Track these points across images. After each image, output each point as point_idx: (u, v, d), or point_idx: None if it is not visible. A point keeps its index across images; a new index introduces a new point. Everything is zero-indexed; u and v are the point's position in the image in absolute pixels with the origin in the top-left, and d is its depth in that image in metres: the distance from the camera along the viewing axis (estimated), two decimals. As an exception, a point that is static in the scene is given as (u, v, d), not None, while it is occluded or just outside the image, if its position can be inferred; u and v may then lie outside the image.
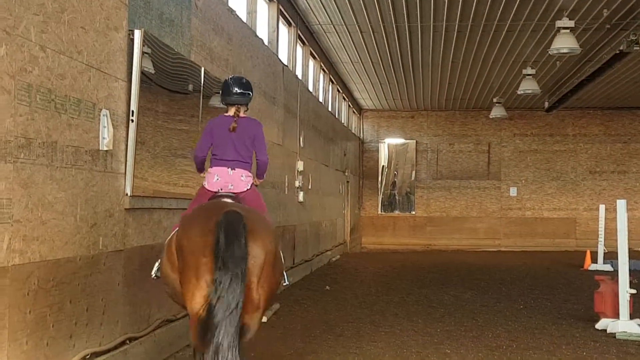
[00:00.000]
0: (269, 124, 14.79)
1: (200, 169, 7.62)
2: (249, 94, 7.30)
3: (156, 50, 8.40)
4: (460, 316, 12.96)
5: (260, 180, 7.64)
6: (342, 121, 29.07)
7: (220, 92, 7.34)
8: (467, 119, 34.08)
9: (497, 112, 29.27)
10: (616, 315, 11.49)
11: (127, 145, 7.80)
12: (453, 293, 16.23)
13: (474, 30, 18.85)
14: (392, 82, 27.00)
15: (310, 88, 21.50)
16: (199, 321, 5.59)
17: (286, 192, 16.82)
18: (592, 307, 12.25)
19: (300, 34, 19.31)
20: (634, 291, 11.48)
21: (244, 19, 13.52)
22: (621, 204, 11.91)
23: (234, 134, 7.01)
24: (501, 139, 34.03)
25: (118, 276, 7.69)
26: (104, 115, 7.22)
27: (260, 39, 14.55)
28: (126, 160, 7.79)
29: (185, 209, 9.64)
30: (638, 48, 18.38)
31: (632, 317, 11.42)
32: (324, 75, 24.23)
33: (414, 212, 34.30)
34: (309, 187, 19.75)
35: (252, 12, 14.52)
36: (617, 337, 11.05)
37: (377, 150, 34.79)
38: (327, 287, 16.88)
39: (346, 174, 29.08)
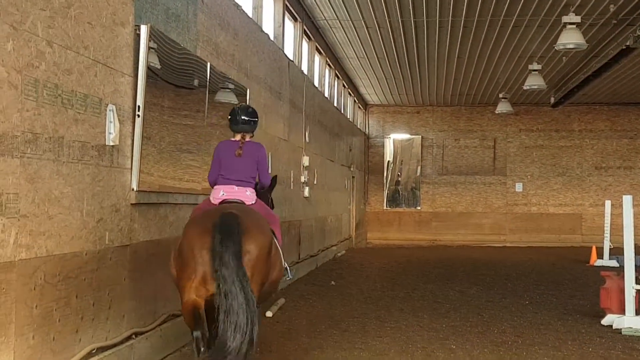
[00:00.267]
0: (274, 119, 14.81)
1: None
2: (254, 121, 7.78)
3: (162, 46, 8.40)
4: (465, 312, 12.96)
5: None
6: (348, 116, 29.05)
7: (229, 119, 7.76)
8: (473, 114, 34.04)
9: (503, 107, 29.21)
10: (622, 311, 11.48)
11: (133, 141, 7.81)
12: (458, 288, 16.24)
13: (480, 25, 18.82)
14: (398, 78, 26.98)
15: (316, 83, 21.49)
16: (193, 312, 6.30)
17: (292, 188, 16.82)
18: (598, 303, 12.24)
19: (306, 29, 19.29)
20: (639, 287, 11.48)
21: (250, 14, 13.51)
22: (627, 200, 11.90)
23: (240, 158, 7.49)
24: (507, 134, 33.99)
25: (124, 271, 7.71)
26: (110, 110, 7.23)
27: (266, 34, 14.55)
28: (132, 156, 7.80)
29: (191, 204, 9.71)
30: (644, 43, 18.35)
31: (637, 312, 11.41)
32: (329, 71, 24.22)
33: (419, 208, 34.28)
34: (315, 182, 19.75)
35: (258, 7, 14.51)
36: (622, 333, 11.05)
37: (383, 146, 34.77)
38: (333, 283, 16.89)
39: (352, 169, 29.08)
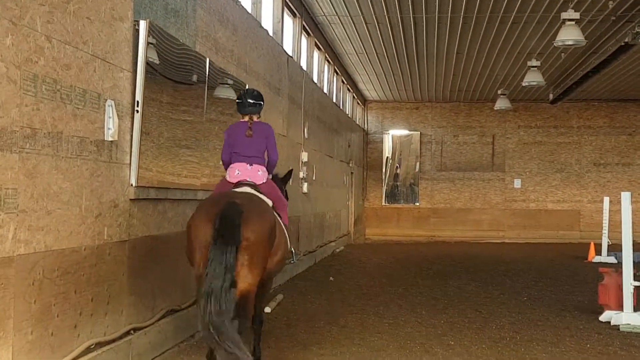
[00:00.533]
0: (273, 115, 14.79)
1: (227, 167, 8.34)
2: (260, 104, 8.34)
3: (161, 41, 8.40)
4: (464, 308, 12.98)
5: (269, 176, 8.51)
6: (347, 112, 29.05)
7: (236, 102, 8.38)
8: (472, 110, 34.05)
9: (501, 103, 29.19)
10: (620, 307, 11.49)
11: (132, 136, 7.81)
12: (457, 285, 16.25)
13: (479, 21, 18.82)
14: (397, 74, 26.97)
15: (315, 79, 21.48)
16: (198, 281, 6.86)
17: (290, 183, 16.77)
18: (596, 299, 12.26)
19: (305, 25, 19.28)
20: (638, 283, 11.48)
21: (249, 10, 13.50)
22: (625, 196, 11.91)
23: (249, 138, 8.10)
24: (505, 130, 34.00)
25: (123, 266, 7.71)
26: (109, 105, 7.23)
27: (265, 29, 14.54)
28: (131, 151, 7.80)
29: (189, 199, 9.73)
30: (643, 40, 18.35)
31: (635, 309, 11.43)
32: (328, 66, 24.21)
33: (417, 204, 34.29)
34: (313, 178, 19.75)
35: (257, 2, 14.50)
36: (620, 329, 11.06)
37: (382, 142, 34.77)
38: (331, 278, 16.90)
39: (350, 165, 29.08)
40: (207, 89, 10.12)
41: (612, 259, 21.56)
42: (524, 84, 23.30)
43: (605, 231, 22.76)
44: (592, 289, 14.05)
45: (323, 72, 23.20)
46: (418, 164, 34.36)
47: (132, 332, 7.93)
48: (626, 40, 18.82)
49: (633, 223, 11.91)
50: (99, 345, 7.13)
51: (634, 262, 11.69)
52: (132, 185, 7.83)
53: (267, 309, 12.13)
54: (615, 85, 28.70)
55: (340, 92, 27.23)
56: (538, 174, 33.80)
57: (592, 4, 17.11)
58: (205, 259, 6.72)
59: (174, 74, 9.00)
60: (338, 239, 25.96)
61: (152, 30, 8.03)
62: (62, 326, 6.47)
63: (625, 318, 11.26)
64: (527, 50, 22.04)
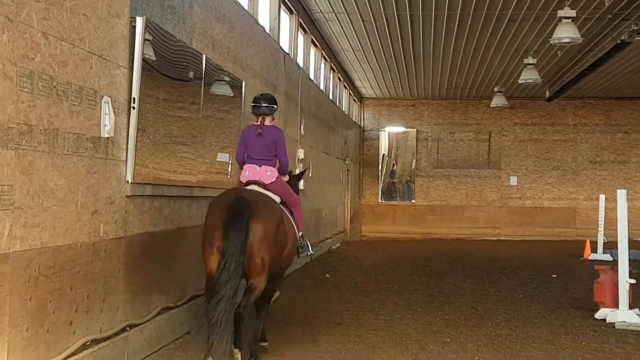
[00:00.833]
0: (269, 112, 14.77)
1: (242, 168, 9.00)
2: (273, 107, 8.91)
3: (158, 38, 8.39)
4: (459, 305, 12.99)
5: (285, 178, 9.20)
6: (343, 109, 29.04)
7: (252, 105, 8.97)
8: (468, 107, 34.06)
9: (498, 101, 29.20)
10: (615, 305, 11.52)
11: (128, 133, 7.80)
12: (453, 282, 16.27)
13: (475, 19, 18.82)
14: (393, 71, 26.97)
15: (312, 76, 21.47)
16: (210, 277, 7.58)
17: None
18: (592, 296, 12.29)
19: (302, 22, 19.27)
20: (633, 281, 11.52)
21: (246, 7, 13.49)
22: (621, 194, 11.93)
23: (260, 138, 8.69)
24: (502, 128, 34.02)
25: (119, 263, 7.70)
26: (105, 102, 7.22)
27: (262, 26, 14.53)
28: (127, 148, 7.79)
29: (186, 196, 9.73)
30: (639, 38, 18.33)
31: (631, 306, 11.46)
32: (325, 64, 24.20)
33: (414, 201, 34.31)
34: (310, 175, 19.74)
35: (253, -1, 14.50)
36: (616, 326, 11.09)
37: (378, 139, 34.78)
38: (327, 275, 16.91)
39: (347, 162, 29.08)
40: (204, 86, 10.11)
41: (607, 257, 21.59)
42: (520, 82, 23.31)
43: (601, 229, 22.80)
44: (587, 286, 14.08)
45: (319, 69, 23.20)
46: (414, 161, 34.38)
47: (128, 328, 7.93)
48: (622, 38, 18.83)
49: (629, 221, 11.93)
50: (95, 341, 7.13)
51: (629, 259, 11.71)
52: (128, 181, 7.82)
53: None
54: (611, 83, 28.72)
55: (336, 89, 27.23)
56: (534, 171, 33.83)
57: (589, 2, 17.13)
58: (215, 253, 7.54)
59: (171, 70, 8.99)
60: (334, 235, 25.96)
61: (148, 26, 8.02)
62: (58, 323, 6.46)
63: (620, 315, 11.28)
64: (523, 47, 22.05)
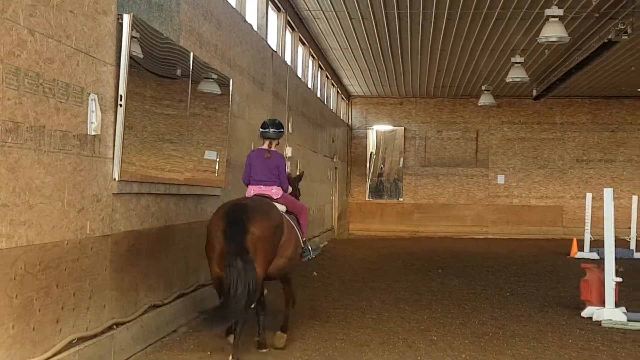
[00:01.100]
0: (257, 110, 14.77)
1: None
2: (281, 132, 9.64)
3: (145, 35, 8.36)
4: (447, 303, 13.02)
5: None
6: (331, 107, 29.04)
7: (260, 129, 9.65)
8: (456, 106, 34.11)
9: (485, 99, 29.27)
10: (602, 303, 11.56)
11: (115, 130, 7.77)
12: (440, 280, 16.29)
13: (463, 17, 18.84)
14: (381, 69, 26.98)
15: (299, 74, 21.46)
16: (217, 278, 8.29)
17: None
18: (578, 294, 12.32)
19: (290, 20, 19.25)
20: (619, 279, 11.55)
21: (233, 5, 13.46)
22: (608, 193, 11.97)
23: (266, 161, 9.40)
24: (489, 126, 34.09)
25: (105, 261, 7.68)
26: (92, 99, 7.19)
27: (250, 24, 14.50)
28: (114, 145, 7.77)
29: (173, 194, 9.71)
30: (626, 37, 18.39)
31: (617, 305, 11.50)
32: (313, 62, 24.19)
33: (401, 199, 34.35)
34: (297, 173, 19.72)
35: (241, -3, 14.46)
36: (602, 324, 11.13)
37: (366, 137, 34.79)
38: (315, 274, 16.90)
39: (334, 160, 29.08)
40: (191, 83, 10.09)
41: (594, 255, 21.66)
42: (507, 80, 23.35)
43: (587, 227, 22.87)
44: (574, 284, 14.11)
45: (307, 67, 23.19)
46: (402, 159, 34.42)
47: (114, 326, 7.91)
48: (609, 37, 18.90)
49: (615, 219, 11.98)
50: (81, 340, 7.11)
51: (615, 258, 11.75)
52: (115, 179, 7.80)
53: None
54: (598, 82, 28.81)
55: (324, 87, 27.22)
56: (521, 170, 33.92)
57: (576, 1, 17.17)
58: (219, 253, 8.14)
59: (158, 68, 8.97)
60: (322, 234, 25.95)
61: (135, 24, 7.99)
62: (44, 321, 6.44)
63: (607, 314, 11.32)
64: (510, 46, 22.09)
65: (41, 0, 6.20)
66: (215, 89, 11.21)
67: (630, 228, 23.54)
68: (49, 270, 6.47)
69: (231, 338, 8.33)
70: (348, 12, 18.98)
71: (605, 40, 19.29)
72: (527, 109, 33.81)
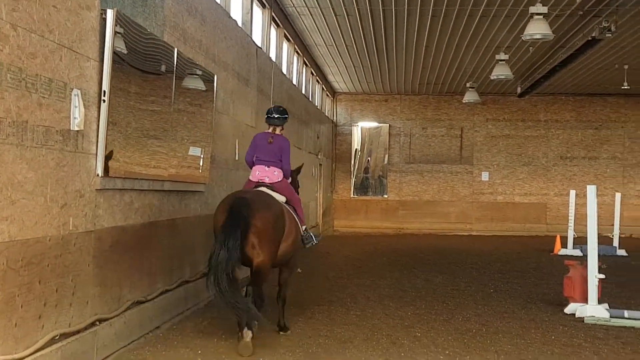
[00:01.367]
0: (242, 106, 14.75)
1: (250, 167, 10.34)
2: (285, 117, 10.40)
3: (129, 31, 8.33)
4: (431, 300, 13.04)
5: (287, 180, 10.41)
6: (316, 104, 29.02)
7: (266, 116, 10.43)
8: (440, 103, 34.17)
9: (470, 97, 29.34)
10: (585, 299, 11.61)
11: (98, 126, 7.73)
12: (424, 277, 16.32)
13: (448, 14, 18.86)
14: (366, 66, 26.99)
15: (284, 70, 21.43)
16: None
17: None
18: (562, 291, 12.37)
19: (275, 16, 19.23)
20: (602, 276, 11.61)
21: (218, 0, 13.43)
22: (591, 190, 12.02)
23: (270, 145, 10.05)
24: (474, 123, 34.17)
25: (88, 257, 7.65)
26: (75, 95, 7.16)
27: (234, 20, 14.47)
28: (97, 141, 7.73)
29: (157, 190, 9.68)
30: (610, 35, 18.47)
31: (600, 301, 11.55)
32: (297, 58, 24.17)
33: (386, 196, 34.38)
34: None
35: (226, -7, 14.42)
36: (585, 321, 11.17)
37: (350, 134, 34.80)
38: (299, 270, 16.87)
39: (319, 157, 29.07)
40: (175, 79, 10.05)
41: (577, 252, 21.77)
42: (492, 78, 23.42)
43: (571, 224, 22.98)
44: (557, 281, 14.17)
45: (292, 63, 23.17)
46: (387, 156, 34.45)
47: (97, 323, 7.88)
48: (593, 34, 18.97)
49: (598, 216, 12.03)
50: (64, 336, 7.08)
51: (598, 255, 11.80)
52: (98, 175, 7.77)
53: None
54: (582, 79, 28.93)
55: (309, 83, 27.20)
56: (506, 167, 34.02)
57: (560, -1, 17.23)
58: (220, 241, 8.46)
59: (142, 63, 8.93)
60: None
61: (119, 19, 7.95)
62: (26, 317, 6.41)
63: (589, 310, 11.37)
64: (495, 43, 22.13)
65: (24, -6, 6.17)
66: (199, 85, 11.18)
67: (613, 225, 23.64)
68: (32, 266, 6.44)
69: (248, 334, 8.65)
70: (333, 9, 18.97)
71: (589, 38, 19.37)
72: (511, 107, 33.90)
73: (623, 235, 25.39)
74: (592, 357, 8.99)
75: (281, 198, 9.84)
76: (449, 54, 24.07)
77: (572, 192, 23.56)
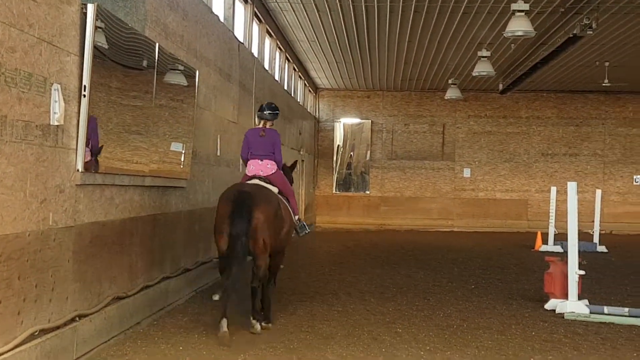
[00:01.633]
0: (224, 102, 14.72)
1: (246, 163, 10.89)
2: (276, 113, 11.02)
3: (110, 25, 8.29)
4: (412, 296, 13.07)
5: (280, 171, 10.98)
6: (298, 100, 29.00)
7: (258, 111, 11.17)
8: (423, 99, 34.22)
9: (452, 93, 29.41)
10: (565, 295, 11.66)
11: (78, 121, 7.69)
12: (406, 273, 16.35)
13: (430, 11, 18.88)
14: (349, 62, 26.98)
15: (266, 66, 21.40)
16: (222, 257, 9.47)
17: (240, 170, 16.73)
18: (542, 287, 12.42)
19: (257, 12, 19.19)
20: (582, 272, 11.66)
21: (200, -5, 13.39)
22: (572, 186, 12.07)
23: (262, 138, 10.66)
24: (456, 120, 34.24)
25: (68, 252, 7.61)
26: (55, 89, 7.12)
27: (216, 15, 14.43)
28: (77, 136, 7.69)
29: (138, 185, 9.65)
30: (591, 32, 18.55)
31: (580, 297, 11.61)
32: (280, 54, 24.13)
33: (368, 192, 34.41)
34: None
35: (208, -12, 14.37)
36: (565, 317, 11.23)
37: (333, 130, 34.79)
38: (281, 266, 16.86)
39: (301, 153, 29.05)
40: (157, 75, 10.02)
41: (558, 248, 21.85)
42: (474, 74, 23.48)
43: (552, 220, 23.06)
44: (538, 277, 14.23)
45: (274, 59, 23.13)
46: (369, 152, 34.47)
47: (77, 318, 7.84)
48: (574, 32, 19.04)
49: (579, 213, 12.08)
50: (43, 332, 7.04)
51: (579, 251, 11.85)
52: (78, 170, 7.72)
53: (216, 297, 12.07)
54: (563, 76, 29.04)
55: (291, 79, 27.17)
56: (487, 163, 34.12)
57: (542, -4, 17.28)
58: (225, 237, 9.26)
59: (123, 58, 8.89)
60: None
61: (100, 13, 7.91)
62: (5, 312, 6.36)
63: (569, 306, 11.43)
64: (477, 40, 22.17)
65: (3, -12, 6.12)
66: (181, 80, 11.15)
67: (593, 222, 23.76)
68: (11, 261, 6.40)
69: (224, 323, 8.99)
70: (315, 4, 18.94)
71: (571, 35, 19.44)
72: (493, 103, 34.00)
73: (603, 232, 25.54)
74: (572, 352, 9.04)
75: (274, 189, 10.37)
76: (431, 50, 24.10)
77: (553, 189, 23.66)
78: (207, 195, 13.69)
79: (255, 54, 19.19)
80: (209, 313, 10.84)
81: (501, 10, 18.39)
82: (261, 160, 10.59)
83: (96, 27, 7.83)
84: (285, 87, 25.31)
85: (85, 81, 7.71)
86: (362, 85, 32.81)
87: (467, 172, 34.11)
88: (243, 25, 18.24)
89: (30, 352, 6.70)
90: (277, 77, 23.44)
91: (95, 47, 7.84)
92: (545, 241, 23.13)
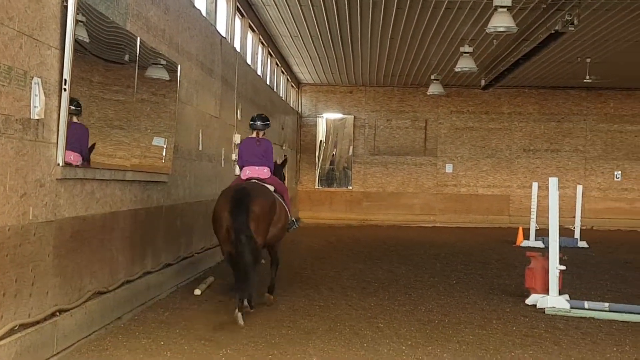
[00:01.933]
0: (206, 96, 14.68)
1: (241, 169, 11.75)
2: (267, 124, 11.93)
3: (91, 19, 8.24)
4: (394, 291, 13.09)
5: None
6: (281, 95, 28.96)
7: (250, 122, 11.96)
8: (405, 95, 34.24)
9: (434, 89, 29.45)
10: (546, 290, 11.71)
11: (59, 115, 7.65)
12: (387, 268, 16.37)
13: (413, 6, 18.89)
14: (331, 57, 26.96)
15: (249, 61, 21.35)
16: (229, 258, 10.30)
17: (222, 165, 16.73)
18: (523, 282, 12.46)
19: (239, 6, 19.14)
20: (563, 267, 11.71)
21: (182, -11, 13.33)
22: (553, 182, 12.12)
23: (257, 147, 11.53)
24: (438, 115, 34.29)
25: (48, 247, 7.57)
26: (35, 83, 7.07)
27: (198, 10, 14.39)
28: (58, 130, 7.65)
29: (119, 180, 9.61)
30: (573, 28, 18.60)
31: (560, 292, 11.66)
32: (262, 49, 24.08)
33: (350, 187, 34.42)
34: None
35: (190, -18, 14.32)
36: (546, 312, 11.27)
37: (315, 125, 34.77)
38: (263, 261, 16.84)
39: (284, 148, 29.01)
40: (139, 69, 9.98)
41: (539, 244, 21.94)
42: (456, 70, 23.50)
43: (533, 216, 23.13)
44: (519, 272, 14.27)
45: (257, 54, 23.08)
46: (351, 147, 34.47)
47: (57, 313, 7.81)
48: (556, 28, 19.10)
49: (560, 208, 12.13)
50: (23, 326, 7.01)
51: (560, 246, 11.90)
52: (58, 164, 7.68)
53: (197, 291, 12.09)
54: (545, 72, 29.14)
55: (274, 74, 27.13)
56: (469, 159, 34.20)
57: (524, -8, 17.31)
58: (227, 226, 10.00)
59: (105, 52, 8.85)
60: (270, 221, 25.83)
61: (81, 7, 7.87)
62: (-15, 308, 6.33)
63: (550, 301, 11.47)
64: (459, 36, 22.20)
65: (-17, -20, 6.07)
66: (163, 74, 11.12)
67: (574, 217, 23.87)
68: (-10, 256, 6.36)
69: (239, 316, 9.74)
70: (298, -1, 18.92)
71: (552, 31, 19.50)
72: (475, 99, 34.07)
73: (584, 227, 25.67)
74: (552, 347, 9.08)
75: (270, 187, 11.22)
76: (414, 45, 24.11)
77: (535, 185, 23.73)
78: (189, 190, 13.67)
79: (238, 49, 19.15)
80: (190, 308, 10.83)
81: (483, 6, 18.43)
82: (257, 166, 11.47)
83: (77, 21, 7.78)
84: (268, 82, 25.27)
85: (66, 75, 7.67)
86: (344, 80, 32.80)
87: (449, 168, 34.17)
88: (225, 20, 18.19)
89: (9, 347, 6.66)
90: (259, 72, 23.40)
91: (76, 41, 7.80)
92: (526, 236, 23.21)
